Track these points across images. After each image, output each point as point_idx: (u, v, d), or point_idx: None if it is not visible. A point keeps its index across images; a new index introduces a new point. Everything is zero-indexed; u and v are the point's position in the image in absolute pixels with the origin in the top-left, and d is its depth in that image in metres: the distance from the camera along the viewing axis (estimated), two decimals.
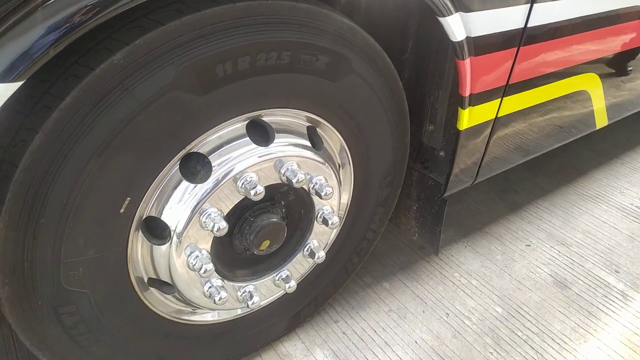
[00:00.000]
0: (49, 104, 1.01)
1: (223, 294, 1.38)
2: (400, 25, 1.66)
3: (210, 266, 1.30)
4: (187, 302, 1.40)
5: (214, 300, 1.37)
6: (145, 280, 1.34)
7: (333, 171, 1.50)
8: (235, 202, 1.32)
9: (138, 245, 1.27)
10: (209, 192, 1.25)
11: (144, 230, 1.26)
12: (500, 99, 1.73)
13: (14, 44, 0.80)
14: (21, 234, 1.06)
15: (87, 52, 1.03)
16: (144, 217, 1.24)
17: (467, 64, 1.49)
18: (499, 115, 1.79)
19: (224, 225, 1.26)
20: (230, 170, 1.27)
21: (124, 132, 1.07)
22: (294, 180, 1.34)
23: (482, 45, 1.50)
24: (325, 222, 1.53)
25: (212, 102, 1.17)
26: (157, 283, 1.36)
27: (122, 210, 1.16)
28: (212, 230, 1.25)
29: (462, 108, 1.61)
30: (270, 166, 1.34)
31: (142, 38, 1.02)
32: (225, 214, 1.31)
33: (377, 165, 1.68)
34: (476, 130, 1.74)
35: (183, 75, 1.09)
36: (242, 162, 1.28)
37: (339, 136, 1.51)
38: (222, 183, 1.26)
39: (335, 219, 1.53)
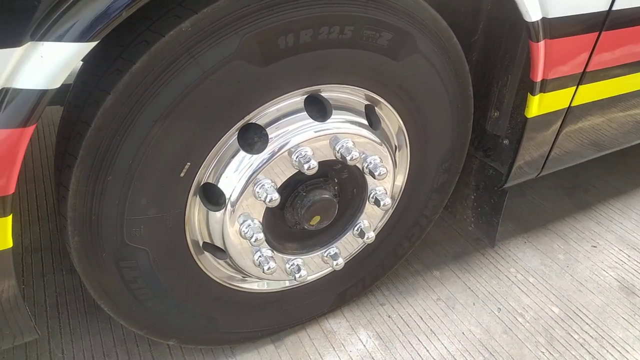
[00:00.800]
0: (121, 68, 1.07)
1: (272, 264, 1.42)
2: (472, 4, 1.60)
3: (261, 236, 1.34)
4: (237, 269, 1.45)
5: (263, 270, 1.41)
6: (201, 244, 1.40)
7: (389, 152, 1.48)
8: (289, 176, 1.34)
9: (195, 209, 1.32)
10: (264, 164, 1.28)
11: (201, 196, 1.31)
12: (575, 87, 1.63)
13: (91, 7, 0.85)
14: (90, 189, 1.14)
15: (158, 19, 1.07)
16: (202, 183, 1.29)
17: (541, 47, 1.41)
18: (572, 105, 1.68)
19: (276, 196, 1.29)
20: (286, 143, 1.29)
21: (187, 98, 1.11)
22: (347, 158, 1.34)
23: (559, 27, 1.41)
24: (377, 202, 1.52)
25: (272, 74, 1.19)
26: (211, 248, 1.42)
27: (182, 174, 1.22)
28: (264, 201, 1.29)
29: (532, 94, 1.54)
30: (326, 142, 1.34)
31: (209, 7, 1.05)
32: (278, 186, 1.33)
33: (435, 149, 1.64)
34: (546, 119, 1.65)
35: (246, 45, 1.11)
36: (298, 136, 1.30)
37: (398, 117, 1.49)
38: (277, 155, 1.29)
39: (388, 201, 1.52)
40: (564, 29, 1.43)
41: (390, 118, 1.49)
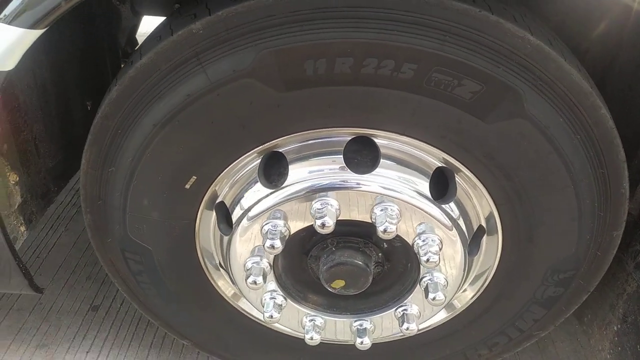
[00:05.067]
0: (133, 60, 0.99)
1: (275, 314, 1.22)
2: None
3: (260, 280, 1.14)
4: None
5: (263, 315, 1.22)
6: (216, 261, 1.28)
7: (459, 234, 1.10)
8: (306, 225, 1.10)
9: (210, 225, 1.20)
10: (278, 202, 1.07)
11: (218, 214, 1.18)
12: None
13: None
14: (98, 174, 1.12)
15: (178, 16, 0.95)
16: (217, 201, 1.15)
17: None
18: None
19: (277, 244, 1.07)
20: (306, 187, 1.05)
21: (189, 109, 0.98)
22: (379, 228, 1.03)
23: None
24: (426, 292, 1.16)
25: (295, 102, 0.96)
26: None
27: (187, 186, 1.10)
28: (263, 244, 1.08)
29: None
30: (360, 198, 1.05)
31: (225, 10, 0.88)
32: (292, 232, 1.11)
33: (545, 252, 1.16)
34: None
35: (262, 62, 0.91)
36: (323, 182, 1.04)
37: (486, 195, 1.09)
38: (293, 197, 1.06)
39: (439, 296, 1.14)
40: None
41: (476, 193, 1.10)
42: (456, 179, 1.08)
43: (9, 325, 1.71)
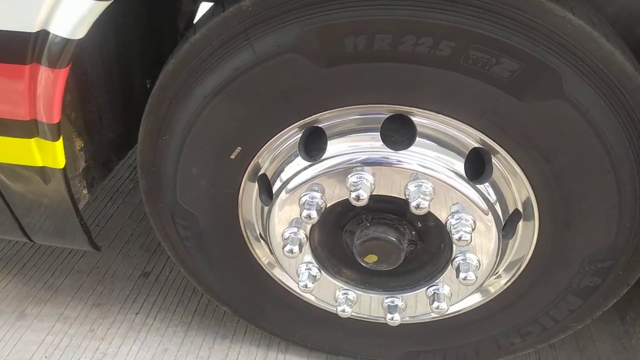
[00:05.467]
0: (188, 36, 1.07)
1: (309, 284, 1.27)
2: None
3: (297, 249, 1.20)
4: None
5: (298, 284, 1.28)
6: (257, 232, 1.35)
7: (493, 216, 1.11)
8: (343, 198, 1.14)
9: (252, 196, 1.27)
10: (316, 175, 1.13)
11: (260, 185, 1.25)
12: None
13: None
14: (153, 142, 1.21)
15: None
16: (260, 173, 1.22)
17: None
18: None
19: (314, 215, 1.12)
20: (343, 162, 1.09)
21: (237, 81, 1.04)
22: (412, 204, 1.06)
23: None
24: (457, 272, 1.18)
25: (336, 78, 1.00)
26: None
27: (232, 157, 1.18)
28: (300, 215, 1.14)
29: None
30: (394, 174, 1.09)
31: None
32: (329, 204, 1.16)
33: (581, 240, 1.15)
34: None
35: (305, 38, 0.96)
36: (360, 157, 1.08)
37: (524, 178, 1.09)
38: (330, 171, 1.11)
39: (471, 276, 1.15)
40: None
41: (514, 176, 1.10)
42: (493, 161, 1.09)
43: (70, 284, 1.86)
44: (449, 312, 1.34)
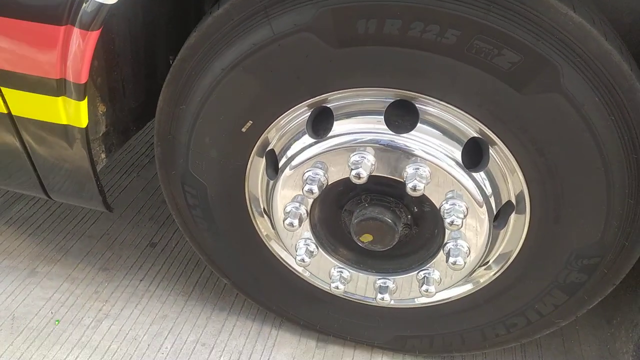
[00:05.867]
0: (211, 11, 1.14)
1: (306, 258, 1.34)
2: None
3: (296, 222, 1.26)
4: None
5: (295, 257, 1.35)
6: (261, 206, 1.42)
7: (486, 205, 1.16)
8: (344, 176, 1.21)
9: (259, 170, 1.34)
10: (320, 153, 1.19)
11: (267, 161, 1.31)
12: None
13: None
14: (171, 111, 1.28)
15: None
16: (269, 148, 1.29)
17: None
18: None
19: (315, 190, 1.19)
20: (347, 141, 1.16)
21: (253, 56, 1.12)
22: (408, 185, 1.12)
23: None
24: (447, 256, 1.23)
25: (346, 59, 1.07)
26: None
27: (243, 130, 1.25)
28: (302, 190, 1.20)
29: None
30: (394, 157, 1.15)
31: None
32: (331, 181, 1.22)
33: (569, 235, 1.20)
34: None
35: (320, 19, 1.03)
36: (364, 137, 1.15)
37: (519, 171, 1.14)
38: (334, 149, 1.17)
39: (459, 261, 1.21)
40: None
41: (509, 168, 1.16)
42: (490, 151, 1.15)
43: (80, 248, 1.95)
44: (438, 299, 1.40)
